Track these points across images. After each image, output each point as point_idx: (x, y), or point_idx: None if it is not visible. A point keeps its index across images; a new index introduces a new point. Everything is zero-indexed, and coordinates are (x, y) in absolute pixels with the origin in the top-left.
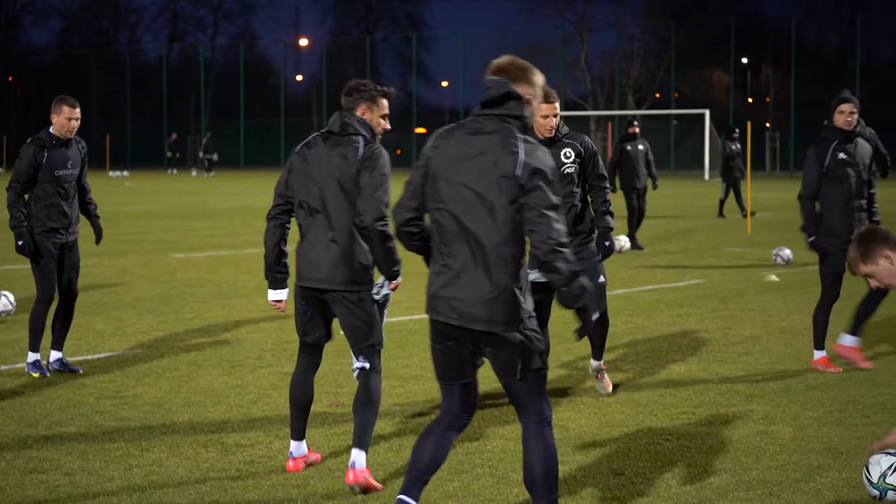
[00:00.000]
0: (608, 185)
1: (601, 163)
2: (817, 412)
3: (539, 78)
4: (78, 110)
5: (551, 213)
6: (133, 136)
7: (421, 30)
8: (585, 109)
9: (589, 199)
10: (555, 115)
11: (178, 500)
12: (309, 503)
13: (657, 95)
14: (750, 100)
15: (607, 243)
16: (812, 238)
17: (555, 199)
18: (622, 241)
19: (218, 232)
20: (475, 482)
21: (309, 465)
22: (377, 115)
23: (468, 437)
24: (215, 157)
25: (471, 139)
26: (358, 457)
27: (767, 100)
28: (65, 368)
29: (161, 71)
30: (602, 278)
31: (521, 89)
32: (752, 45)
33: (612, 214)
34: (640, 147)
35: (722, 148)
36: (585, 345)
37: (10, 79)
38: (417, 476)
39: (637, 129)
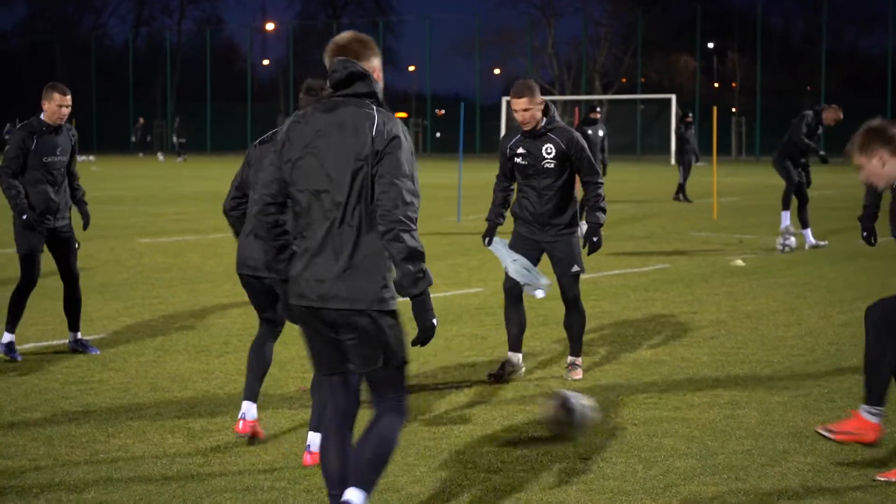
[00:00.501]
0: (600, 180)
1: (591, 157)
2: (783, 397)
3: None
4: (69, 97)
5: (401, 182)
6: (99, 121)
7: (388, 14)
8: (553, 94)
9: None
10: (525, 110)
11: (145, 485)
12: (276, 489)
13: (624, 81)
14: (716, 85)
15: (595, 238)
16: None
17: (407, 169)
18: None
19: (184, 217)
20: (442, 468)
21: (254, 435)
22: None
23: (434, 422)
24: (184, 140)
25: (326, 117)
26: (314, 439)
27: (733, 85)
28: (83, 349)
29: (127, 56)
30: (576, 267)
31: (367, 65)
32: (719, 31)
33: (603, 210)
34: (600, 132)
35: (676, 132)
36: (557, 332)
37: None
38: (336, 491)
39: (599, 115)
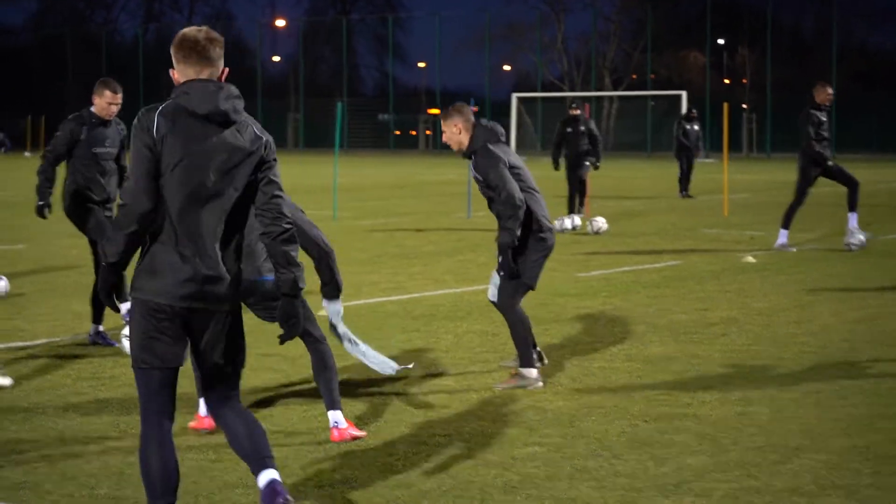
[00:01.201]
0: (503, 207)
1: (497, 181)
2: (794, 394)
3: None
4: (120, 96)
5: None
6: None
7: (397, 11)
8: (562, 90)
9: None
10: (445, 132)
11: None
12: (286, 484)
13: (633, 77)
14: (726, 81)
15: (500, 258)
16: None
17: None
18: (599, 222)
19: None
20: (453, 464)
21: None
22: None
23: (444, 420)
24: None
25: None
26: (337, 416)
27: (744, 81)
28: (103, 341)
29: (137, 51)
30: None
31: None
32: (729, 26)
33: (508, 231)
34: (581, 129)
35: (677, 128)
36: (567, 328)
37: None
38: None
39: (578, 112)
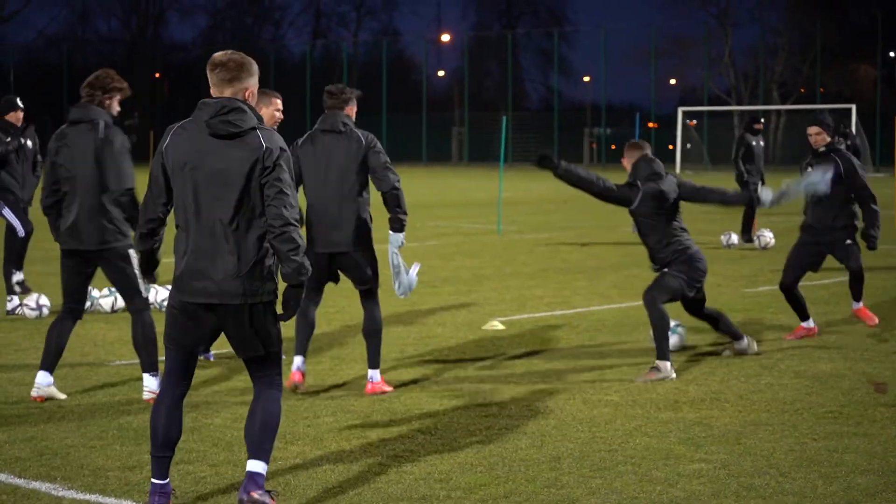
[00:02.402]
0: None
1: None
2: None
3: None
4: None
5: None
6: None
7: (562, 24)
8: (729, 105)
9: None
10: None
11: (323, 493)
12: (452, 498)
13: (802, 90)
14: None
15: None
16: None
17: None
18: (767, 237)
19: None
20: (618, 479)
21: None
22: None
23: (610, 435)
24: None
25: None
26: (374, 374)
27: None
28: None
29: (304, 67)
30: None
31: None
32: None
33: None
34: (762, 143)
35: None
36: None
37: (157, 75)
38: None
39: (761, 126)
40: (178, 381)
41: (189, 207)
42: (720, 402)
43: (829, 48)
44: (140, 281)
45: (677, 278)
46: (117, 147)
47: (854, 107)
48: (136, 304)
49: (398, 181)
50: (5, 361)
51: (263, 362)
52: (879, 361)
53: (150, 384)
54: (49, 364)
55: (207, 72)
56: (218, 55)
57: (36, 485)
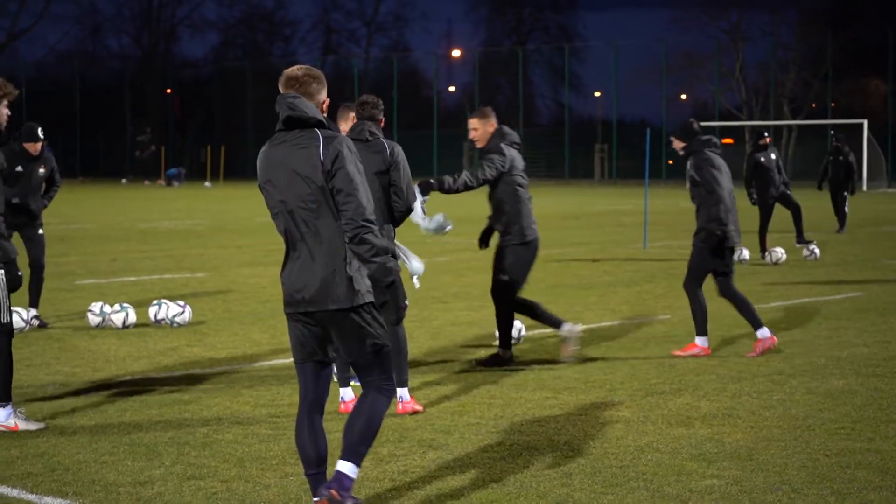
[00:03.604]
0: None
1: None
2: None
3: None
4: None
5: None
6: None
7: (573, 40)
8: (740, 120)
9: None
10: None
11: None
12: None
13: (813, 106)
14: None
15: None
16: None
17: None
18: (778, 252)
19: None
20: (629, 495)
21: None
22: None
23: (622, 451)
24: None
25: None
26: (403, 392)
27: None
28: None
29: None
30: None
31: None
32: None
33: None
34: (773, 156)
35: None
36: (746, 360)
37: (169, 91)
38: (313, 471)
39: (769, 140)
40: (312, 396)
41: (280, 218)
42: (732, 418)
43: (841, 63)
44: (5, 303)
45: None
46: None
47: (866, 122)
48: None
49: (413, 203)
50: (17, 377)
51: (370, 366)
52: (891, 377)
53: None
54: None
55: (280, 87)
56: (291, 70)
57: (48, 500)
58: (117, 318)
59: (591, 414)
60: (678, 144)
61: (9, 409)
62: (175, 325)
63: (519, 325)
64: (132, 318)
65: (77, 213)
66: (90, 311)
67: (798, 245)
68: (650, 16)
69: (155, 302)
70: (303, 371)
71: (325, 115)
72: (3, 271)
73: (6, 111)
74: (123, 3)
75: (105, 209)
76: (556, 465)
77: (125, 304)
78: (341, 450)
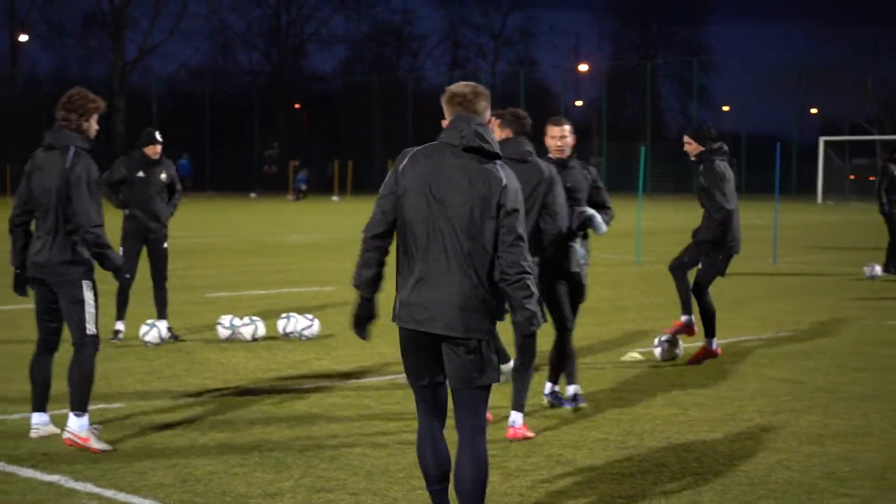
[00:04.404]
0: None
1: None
2: None
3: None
4: (565, 128)
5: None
6: None
7: (702, 53)
8: (871, 134)
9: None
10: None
11: None
12: None
13: None
14: None
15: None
16: None
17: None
18: (876, 269)
19: None
20: None
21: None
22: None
23: (752, 468)
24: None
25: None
26: (516, 417)
27: None
28: (560, 403)
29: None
30: None
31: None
32: None
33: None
34: None
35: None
36: (878, 378)
37: (297, 106)
38: (436, 486)
39: None
40: (431, 413)
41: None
42: (864, 436)
43: None
44: (94, 315)
45: None
46: (82, 178)
47: None
48: (80, 339)
49: (565, 228)
50: (149, 389)
51: (466, 405)
52: None
53: (72, 425)
54: (41, 403)
55: (445, 104)
56: (458, 86)
57: None
58: (246, 331)
59: (721, 430)
60: (691, 147)
61: (84, 419)
62: (304, 338)
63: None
64: (261, 331)
65: (206, 227)
66: (220, 323)
67: (889, 272)
68: (780, 28)
69: (284, 315)
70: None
71: None
72: (91, 281)
73: (95, 125)
74: (253, 19)
75: (234, 223)
76: (685, 483)
77: (254, 317)
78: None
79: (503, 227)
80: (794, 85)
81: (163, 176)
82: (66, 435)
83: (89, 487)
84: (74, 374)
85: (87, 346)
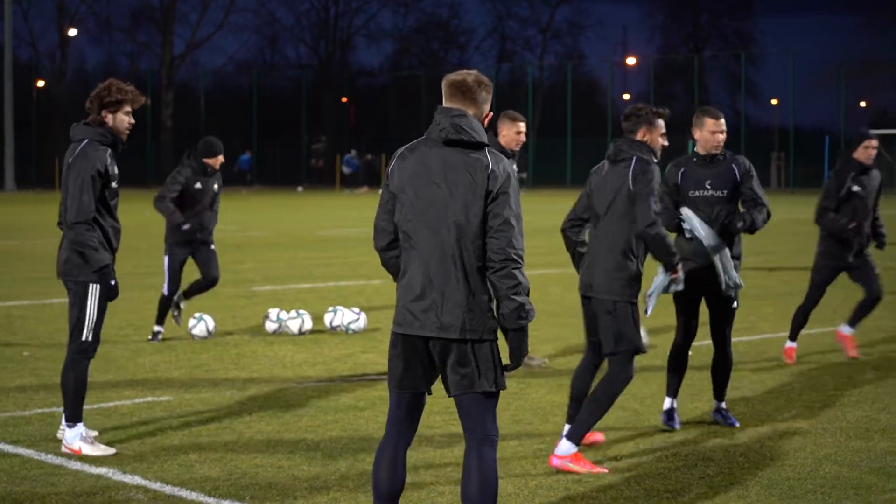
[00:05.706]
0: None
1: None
2: None
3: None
4: (722, 122)
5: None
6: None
7: (750, 46)
8: None
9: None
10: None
11: None
12: None
13: None
14: None
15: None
16: None
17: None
18: None
19: (541, 250)
20: None
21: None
22: (656, 135)
23: (799, 463)
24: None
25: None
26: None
27: None
28: (724, 420)
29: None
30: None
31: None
32: None
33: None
34: None
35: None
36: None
37: (344, 100)
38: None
39: None
40: (402, 424)
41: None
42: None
43: None
44: (91, 321)
45: None
46: (78, 170)
47: None
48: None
49: (651, 225)
50: (196, 382)
51: (471, 414)
52: None
53: (66, 436)
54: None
55: (445, 93)
56: (457, 75)
57: None
58: (293, 325)
59: (768, 424)
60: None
61: (76, 430)
62: (350, 331)
63: None
64: (308, 324)
65: (253, 220)
66: (267, 317)
67: None
68: (828, 20)
69: (330, 309)
70: None
71: (486, 127)
72: (98, 285)
73: (128, 118)
74: (302, 13)
75: (281, 216)
76: (732, 476)
77: (301, 311)
78: None
79: (490, 212)
80: (842, 77)
81: (216, 187)
82: (63, 448)
83: (137, 480)
84: (70, 380)
85: (83, 353)
